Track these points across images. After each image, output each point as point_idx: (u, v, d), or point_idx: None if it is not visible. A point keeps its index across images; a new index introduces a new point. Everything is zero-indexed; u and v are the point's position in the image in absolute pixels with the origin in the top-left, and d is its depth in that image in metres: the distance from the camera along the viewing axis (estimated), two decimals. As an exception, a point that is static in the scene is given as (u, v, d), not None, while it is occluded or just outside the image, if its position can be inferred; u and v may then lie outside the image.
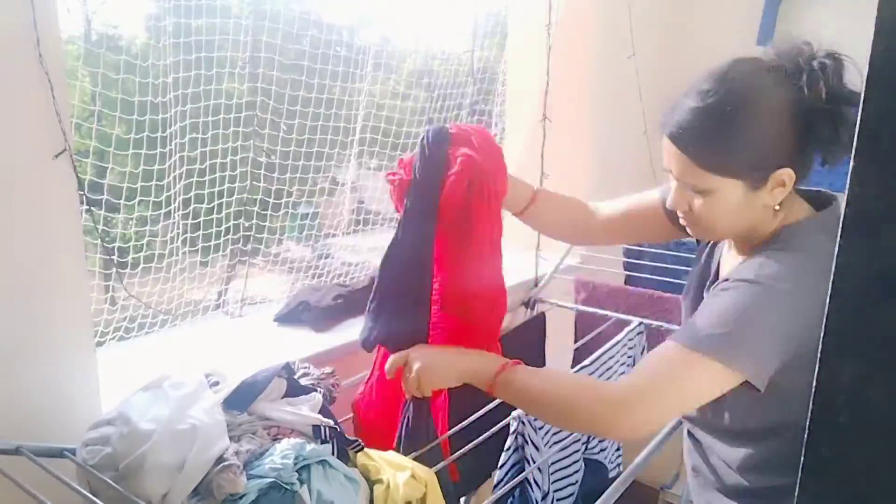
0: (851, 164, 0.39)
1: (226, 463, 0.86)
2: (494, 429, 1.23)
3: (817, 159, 0.95)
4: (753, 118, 0.89)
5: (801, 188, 1.01)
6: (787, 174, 0.91)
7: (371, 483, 0.99)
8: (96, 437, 0.92)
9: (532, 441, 1.26)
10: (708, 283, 1.11)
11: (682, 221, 1.02)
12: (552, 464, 1.38)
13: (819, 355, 0.43)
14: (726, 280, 0.94)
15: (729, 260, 1.08)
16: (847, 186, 0.40)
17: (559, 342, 1.99)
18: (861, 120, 0.38)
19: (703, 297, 1.07)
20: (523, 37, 2.14)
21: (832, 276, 0.42)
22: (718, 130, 0.90)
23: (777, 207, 0.94)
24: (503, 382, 0.99)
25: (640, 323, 1.70)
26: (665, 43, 2.30)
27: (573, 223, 1.28)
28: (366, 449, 1.02)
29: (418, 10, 1.91)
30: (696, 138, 0.91)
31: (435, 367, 1.04)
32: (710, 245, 1.16)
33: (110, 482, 0.85)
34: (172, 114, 1.38)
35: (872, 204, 0.39)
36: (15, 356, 1.00)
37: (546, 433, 1.32)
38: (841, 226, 0.41)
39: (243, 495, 0.85)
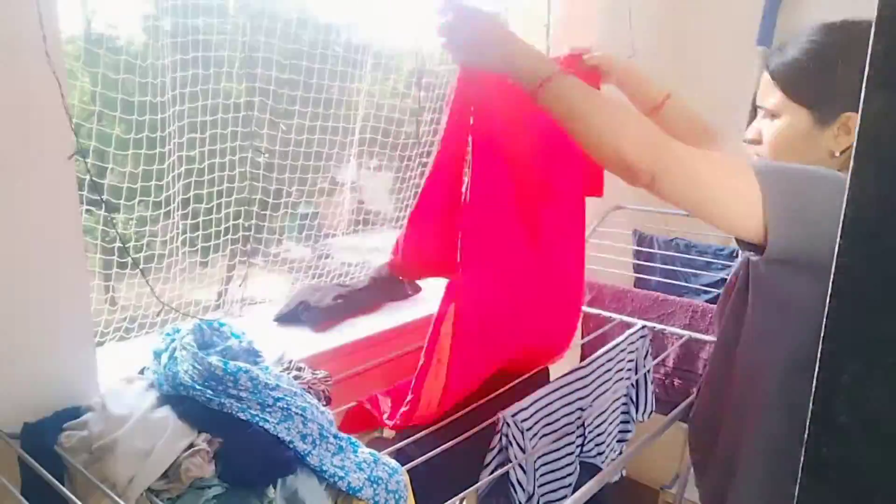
0: (852, 164, 0.39)
1: (196, 448, 0.88)
2: (481, 426, 1.24)
3: None
4: (837, 57, 0.94)
5: None
6: (853, 120, 0.93)
7: None
8: (77, 423, 0.97)
9: (517, 442, 1.26)
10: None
11: (753, 152, 1.06)
12: (542, 465, 1.37)
13: (819, 355, 0.43)
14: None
15: None
16: (847, 186, 0.40)
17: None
18: (861, 120, 0.38)
19: (745, 299, 1.05)
20: (523, 37, 2.13)
21: (833, 276, 0.42)
22: (805, 61, 0.97)
23: (837, 154, 0.96)
24: (557, 84, 0.92)
25: (643, 326, 1.70)
26: (665, 43, 2.30)
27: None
28: None
29: (418, 9, 1.90)
30: (784, 65, 0.99)
31: (486, 32, 0.97)
32: None
33: (78, 465, 0.88)
34: (171, 113, 1.38)
35: (872, 204, 0.39)
36: (15, 356, 1.00)
37: (533, 436, 1.31)
38: (841, 226, 0.41)
39: (211, 485, 0.86)
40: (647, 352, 1.68)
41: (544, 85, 0.92)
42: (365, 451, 1.02)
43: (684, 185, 0.89)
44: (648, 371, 1.66)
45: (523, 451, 1.27)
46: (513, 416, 1.26)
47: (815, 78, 0.95)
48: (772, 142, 1.01)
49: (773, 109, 1.01)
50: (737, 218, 0.88)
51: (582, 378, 1.44)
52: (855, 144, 0.39)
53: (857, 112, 0.87)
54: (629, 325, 1.82)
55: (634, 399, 1.64)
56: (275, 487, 0.91)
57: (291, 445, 0.93)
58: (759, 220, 0.86)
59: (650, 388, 1.68)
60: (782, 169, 0.91)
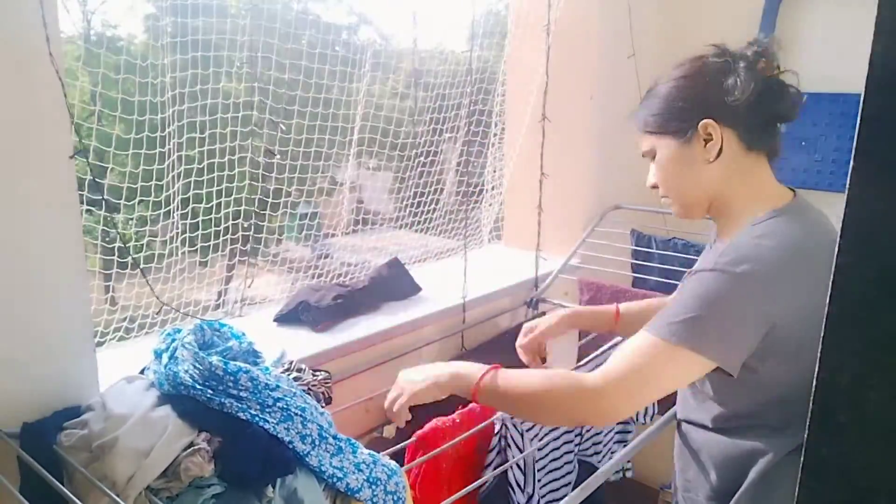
0: (851, 164, 0.39)
1: (196, 447, 0.88)
2: (478, 427, 1.23)
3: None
4: (674, 82, 1.08)
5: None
6: (709, 125, 1.03)
7: None
8: (77, 422, 0.97)
9: (515, 443, 1.26)
10: None
11: (663, 203, 1.15)
12: (542, 467, 1.37)
13: (819, 355, 0.43)
14: (691, 272, 1.02)
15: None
16: (847, 186, 0.40)
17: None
18: (861, 120, 0.38)
19: None
20: (523, 37, 2.14)
21: (833, 276, 0.42)
22: (650, 100, 1.11)
23: (712, 160, 1.04)
24: (486, 387, 1.04)
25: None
26: (665, 43, 2.30)
27: None
28: None
29: (417, 9, 1.90)
30: (641, 114, 1.12)
31: (416, 380, 1.11)
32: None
33: (77, 465, 0.88)
34: (171, 113, 1.38)
35: (872, 204, 0.39)
36: (15, 356, 1.00)
37: (533, 437, 1.31)
38: (841, 226, 0.41)
39: (211, 484, 0.87)
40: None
41: (477, 389, 1.05)
42: (364, 453, 1.02)
43: (633, 399, 0.99)
44: None
45: (521, 451, 1.27)
46: (511, 418, 1.25)
47: (662, 109, 1.07)
48: (661, 177, 1.11)
49: (648, 151, 1.12)
50: (688, 378, 1.03)
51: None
52: (855, 144, 0.39)
53: (709, 116, 1.03)
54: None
55: None
56: (274, 487, 0.91)
57: (291, 446, 0.93)
58: (707, 365, 0.95)
59: None
60: (685, 319, 0.95)
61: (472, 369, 1.08)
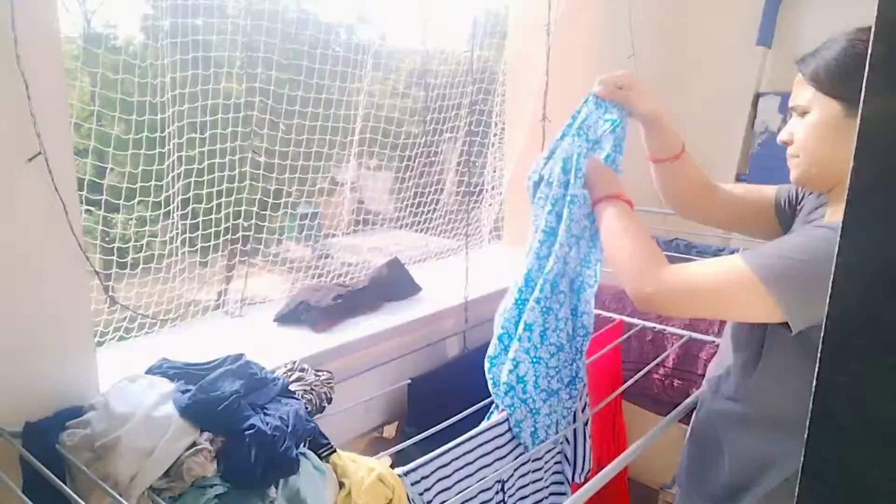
0: (851, 163, 0.39)
1: (199, 447, 0.88)
2: (483, 426, 1.22)
3: None
4: (862, 47, 0.94)
5: None
6: None
7: (341, 483, 1.01)
8: (79, 421, 0.97)
9: None
10: None
11: (788, 161, 1.07)
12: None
13: (819, 355, 0.43)
14: (814, 224, 0.99)
15: None
16: (847, 186, 0.40)
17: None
18: (861, 120, 0.38)
19: None
20: (523, 37, 2.14)
21: (833, 276, 0.42)
22: (837, 58, 0.98)
23: None
24: (600, 209, 1.15)
25: (642, 326, 1.69)
26: (665, 43, 2.30)
27: (697, 194, 1.30)
28: (338, 451, 1.04)
29: (417, 9, 1.90)
30: (817, 64, 1.00)
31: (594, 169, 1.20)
32: (792, 218, 1.18)
33: (79, 464, 0.88)
34: (170, 114, 1.38)
35: (872, 204, 0.39)
36: (16, 356, 1.00)
37: (430, 500, 1.17)
38: (841, 225, 0.41)
39: (213, 484, 0.87)
40: (585, 404, 1.43)
41: (598, 203, 1.15)
42: None
43: (687, 303, 1.00)
44: (586, 423, 1.42)
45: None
46: (405, 473, 1.10)
47: (847, 71, 0.96)
48: (803, 137, 1.02)
49: (804, 106, 1.01)
50: (750, 315, 1.00)
51: (497, 428, 1.28)
52: (855, 144, 0.39)
53: None
54: (631, 325, 1.82)
55: (570, 457, 1.41)
56: (276, 487, 0.91)
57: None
58: (766, 310, 0.93)
59: (588, 442, 1.43)
60: (781, 264, 0.93)
61: (607, 186, 1.16)
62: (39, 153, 0.97)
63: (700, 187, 1.30)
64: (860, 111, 0.39)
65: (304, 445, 1.01)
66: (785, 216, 1.21)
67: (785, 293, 0.91)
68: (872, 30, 0.38)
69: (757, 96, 2.22)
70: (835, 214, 1.06)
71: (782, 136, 1.07)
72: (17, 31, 0.92)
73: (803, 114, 1.02)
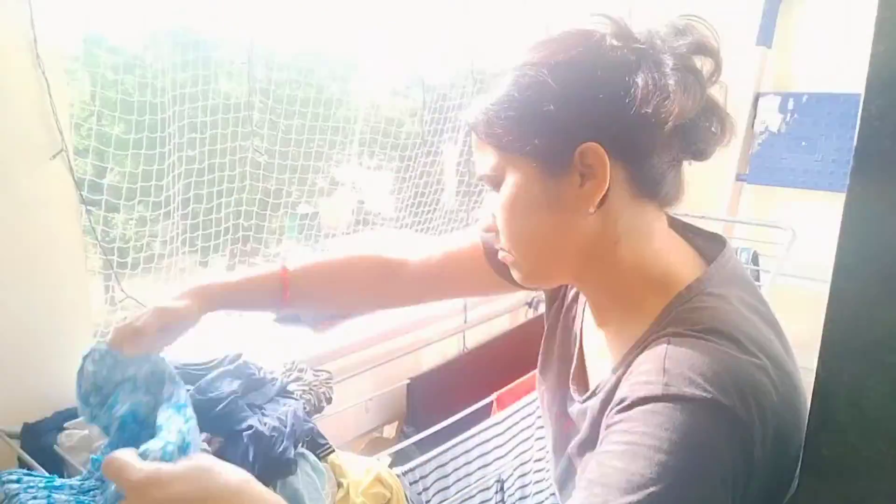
0: (851, 163, 0.39)
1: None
2: (483, 425, 1.21)
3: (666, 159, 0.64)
4: (545, 69, 0.63)
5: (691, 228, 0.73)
6: (592, 151, 0.61)
7: (340, 483, 1.02)
8: (78, 422, 0.98)
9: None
10: (573, 369, 0.77)
11: (499, 254, 0.72)
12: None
13: (819, 355, 0.43)
14: (623, 402, 0.57)
15: (592, 338, 0.75)
16: (847, 186, 0.40)
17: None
18: (861, 120, 0.38)
19: (568, 388, 0.76)
20: (523, 37, 2.13)
21: (833, 276, 0.42)
22: (494, 98, 0.65)
23: (592, 210, 0.63)
24: None
25: None
26: (664, 42, 2.30)
27: (368, 285, 0.93)
28: (336, 451, 1.04)
29: (417, 8, 1.90)
30: (486, 113, 0.66)
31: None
32: (560, 303, 0.84)
33: (77, 465, 0.89)
34: (171, 114, 1.38)
35: (872, 204, 0.39)
36: (15, 356, 1.00)
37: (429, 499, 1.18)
38: (841, 226, 0.41)
39: None
40: None
41: None
42: None
43: None
44: None
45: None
46: (404, 473, 1.07)
47: (518, 110, 0.64)
48: (503, 221, 0.68)
49: (491, 175, 0.67)
50: None
51: (496, 429, 1.28)
52: (855, 144, 0.39)
53: (596, 140, 0.59)
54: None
55: None
56: (275, 488, 0.91)
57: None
58: None
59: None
60: (619, 490, 0.53)
61: None
62: (62, 150, 0.98)
63: (362, 284, 0.92)
64: (860, 111, 0.39)
65: (303, 446, 1.01)
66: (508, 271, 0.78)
67: None
68: (873, 29, 0.38)
69: (757, 96, 2.22)
70: (606, 319, 0.72)
71: (486, 224, 0.71)
72: (37, 31, 0.92)
73: (497, 186, 0.68)
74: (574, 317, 0.80)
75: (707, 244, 0.71)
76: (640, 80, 0.60)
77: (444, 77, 2.06)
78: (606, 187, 0.62)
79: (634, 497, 0.52)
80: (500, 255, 0.72)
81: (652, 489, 0.52)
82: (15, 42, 0.93)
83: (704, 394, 0.53)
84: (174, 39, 1.37)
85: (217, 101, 1.48)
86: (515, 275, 0.72)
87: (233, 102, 1.54)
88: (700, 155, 0.65)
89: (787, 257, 1.83)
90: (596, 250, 0.66)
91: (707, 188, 2.29)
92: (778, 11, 2.12)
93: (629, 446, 0.55)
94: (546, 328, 0.85)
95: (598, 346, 0.73)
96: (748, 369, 0.56)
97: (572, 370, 0.77)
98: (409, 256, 0.93)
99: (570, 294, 0.82)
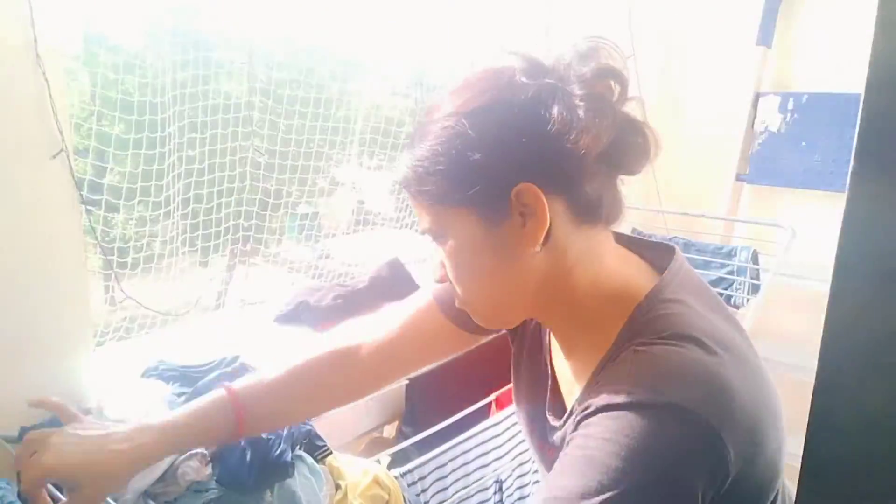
0: (851, 164, 0.39)
1: (193, 451, 0.88)
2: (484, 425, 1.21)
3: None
4: (465, 119, 0.63)
5: (637, 240, 0.74)
6: (528, 191, 0.61)
7: (338, 485, 1.02)
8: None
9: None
10: (548, 396, 0.77)
11: (456, 302, 0.72)
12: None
13: (819, 355, 0.43)
14: (587, 410, 0.59)
15: (562, 365, 0.75)
16: (847, 186, 0.40)
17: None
18: (861, 120, 0.38)
19: (545, 418, 0.76)
20: (523, 37, 2.13)
21: (833, 276, 0.42)
22: (424, 145, 0.65)
23: (538, 249, 0.64)
24: None
25: None
26: (665, 43, 2.30)
27: (325, 385, 0.88)
28: (334, 453, 1.04)
29: (417, 8, 1.90)
30: (413, 169, 0.66)
31: None
32: (520, 338, 0.83)
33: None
34: (171, 114, 1.38)
35: (872, 204, 0.39)
36: (15, 356, 1.00)
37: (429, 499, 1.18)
38: (841, 226, 0.41)
39: (209, 488, 0.87)
40: None
41: None
42: None
43: None
44: None
45: None
46: (402, 474, 1.08)
47: (446, 164, 0.63)
48: (455, 275, 0.68)
49: (434, 230, 0.67)
50: None
51: (496, 430, 1.28)
52: (855, 144, 0.39)
53: (528, 179, 0.60)
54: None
55: None
56: (272, 492, 0.91)
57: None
58: None
59: None
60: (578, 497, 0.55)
61: None
62: (62, 150, 0.98)
63: (325, 374, 0.88)
64: (860, 111, 0.39)
65: (300, 448, 1.01)
66: (469, 319, 0.76)
67: None
68: (873, 29, 0.38)
69: (757, 96, 2.22)
70: (567, 341, 0.72)
71: (438, 274, 0.71)
72: (37, 31, 0.92)
73: (440, 239, 0.68)
74: (541, 347, 0.79)
75: (657, 254, 0.71)
76: (555, 113, 0.60)
77: (443, 77, 2.06)
78: (548, 223, 0.63)
79: (590, 502, 0.53)
80: (457, 303, 0.71)
81: (609, 494, 0.53)
82: (15, 42, 0.93)
83: (668, 399, 0.54)
84: (174, 39, 1.37)
85: (217, 101, 1.48)
86: (476, 319, 0.72)
87: (233, 102, 1.54)
88: (630, 171, 0.66)
89: (787, 257, 1.83)
90: (551, 284, 0.67)
91: (707, 188, 2.29)
92: (778, 11, 2.12)
93: (588, 452, 0.56)
94: (512, 363, 0.83)
95: (568, 372, 0.73)
96: (715, 370, 0.57)
97: (546, 400, 0.76)
98: (362, 339, 0.89)
99: (532, 325, 0.81)
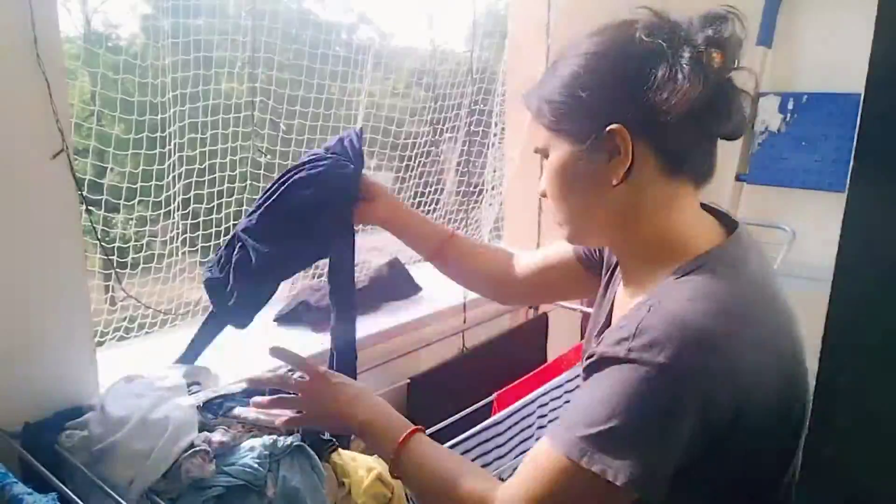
0: (851, 164, 0.39)
1: (196, 448, 0.88)
2: (482, 424, 1.22)
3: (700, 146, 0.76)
4: (581, 60, 0.75)
5: (714, 210, 0.83)
6: (619, 133, 0.71)
7: (341, 482, 1.01)
8: (78, 423, 0.98)
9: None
10: (601, 324, 0.90)
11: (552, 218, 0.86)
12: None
13: (819, 355, 0.43)
14: (593, 357, 0.70)
15: (621, 302, 0.86)
16: (847, 186, 0.40)
17: (565, 342, 2.00)
18: (861, 120, 0.38)
19: (591, 340, 0.91)
20: (523, 37, 2.13)
21: (833, 276, 0.42)
22: (549, 79, 0.78)
23: (615, 183, 0.74)
24: (403, 465, 0.82)
25: (577, 376, 1.68)
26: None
27: (491, 275, 1.13)
28: (339, 450, 1.04)
29: (417, 8, 1.90)
30: (535, 95, 0.80)
31: (328, 412, 0.90)
32: (609, 272, 0.94)
33: (79, 465, 0.89)
34: (171, 114, 1.38)
35: (872, 204, 0.39)
36: (15, 356, 1.00)
37: None
38: (841, 226, 0.41)
39: (212, 485, 0.87)
40: None
41: (395, 461, 0.83)
42: None
43: None
44: None
45: None
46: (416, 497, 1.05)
47: (560, 96, 0.76)
48: (548, 186, 0.81)
49: (541, 149, 0.81)
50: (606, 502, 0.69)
51: (497, 429, 1.31)
52: (855, 144, 0.39)
53: (621, 122, 0.70)
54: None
55: None
56: (275, 485, 0.91)
57: None
58: (621, 491, 0.65)
59: None
60: (590, 434, 0.66)
61: (391, 429, 0.85)
62: (62, 150, 0.98)
63: (487, 273, 1.13)
64: (860, 111, 0.39)
65: (306, 442, 1.00)
66: (595, 265, 1.00)
67: (615, 468, 0.64)
68: (873, 29, 0.38)
69: (757, 96, 2.22)
70: (630, 279, 0.82)
71: (540, 189, 0.86)
72: (37, 31, 0.92)
73: (546, 157, 0.81)
74: (611, 279, 0.91)
75: (731, 223, 0.80)
76: (659, 72, 0.69)
77: (444, 76, 2.06)
78: (629, 163, 0.72)
79: (594, 429, 0.66)
80: (552, 218, 0.85)
81: (613, 423, 0.65)
82: (15, 42, 0.93)
83: (663, 360, 0.63)
84: (174, 39, 1.37)
85: (218, 101, 1.48)
86: (561, 233, 0.84)
87: (233, 102, 1.54)
88: (725, 136, 0.76)
89: (787, 257, 1.83)
90: (621, 219, 0.77)
91: (707, 188, 2.29)
92: (778, 11, 2.12)
93: (590, 399, 0.68)
94: (597, 297, 0.95)
95: (622, 305, 0.83)
96: (721, 339, 0.65)
97: (600, 327, 0.88)
98: (520, 260, 1.11)
99: (614, 262, 0.91)
